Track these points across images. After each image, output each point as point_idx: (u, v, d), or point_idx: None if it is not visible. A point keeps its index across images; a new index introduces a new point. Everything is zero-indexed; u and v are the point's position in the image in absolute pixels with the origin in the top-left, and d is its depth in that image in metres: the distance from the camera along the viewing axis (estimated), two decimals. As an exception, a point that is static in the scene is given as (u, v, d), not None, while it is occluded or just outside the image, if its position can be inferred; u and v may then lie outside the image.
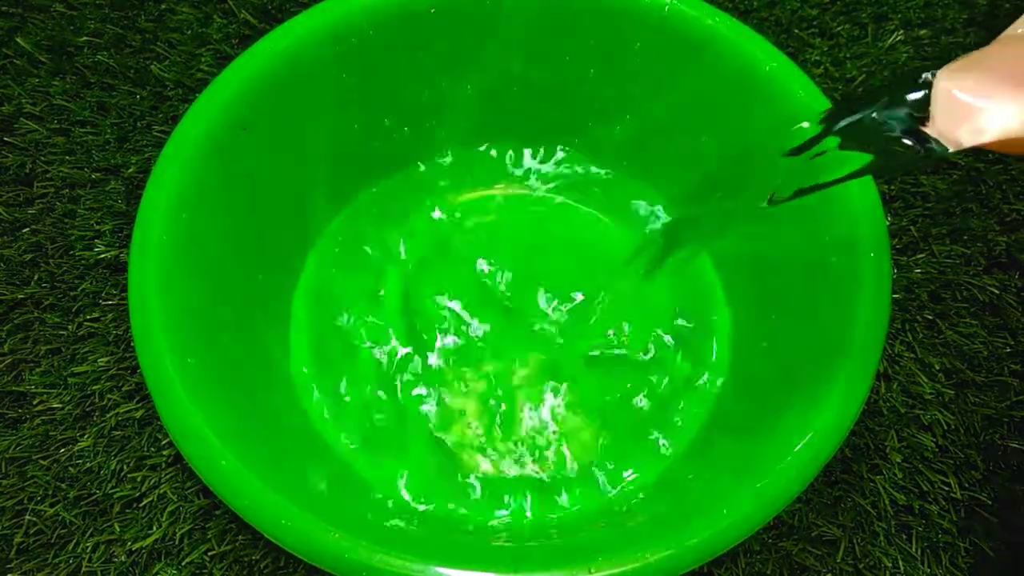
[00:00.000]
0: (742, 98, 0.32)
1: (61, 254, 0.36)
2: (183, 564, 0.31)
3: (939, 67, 0.19)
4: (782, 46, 0.42)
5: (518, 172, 0.38)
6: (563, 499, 0.31)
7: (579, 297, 0.35)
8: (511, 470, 0.32)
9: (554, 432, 0.33)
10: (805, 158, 0.23)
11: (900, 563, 0.32)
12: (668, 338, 0.35)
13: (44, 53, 0.41)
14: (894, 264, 0.37)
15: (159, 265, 0.27)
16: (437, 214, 0.37)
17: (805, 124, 0.23)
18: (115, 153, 0.38)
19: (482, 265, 0.36)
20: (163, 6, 0.42)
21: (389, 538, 0.24)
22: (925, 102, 0.19)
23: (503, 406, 0.33)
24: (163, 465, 0.32)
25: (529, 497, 0.31)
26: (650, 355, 0.34)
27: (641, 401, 0.33)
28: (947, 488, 0.33)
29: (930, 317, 0.36)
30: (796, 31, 0.43)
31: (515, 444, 0.32)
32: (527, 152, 0.38)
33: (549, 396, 0.33)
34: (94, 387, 0.34)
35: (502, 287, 0.36)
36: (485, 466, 0.32)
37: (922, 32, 0.43)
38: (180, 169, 0.29)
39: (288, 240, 0.35)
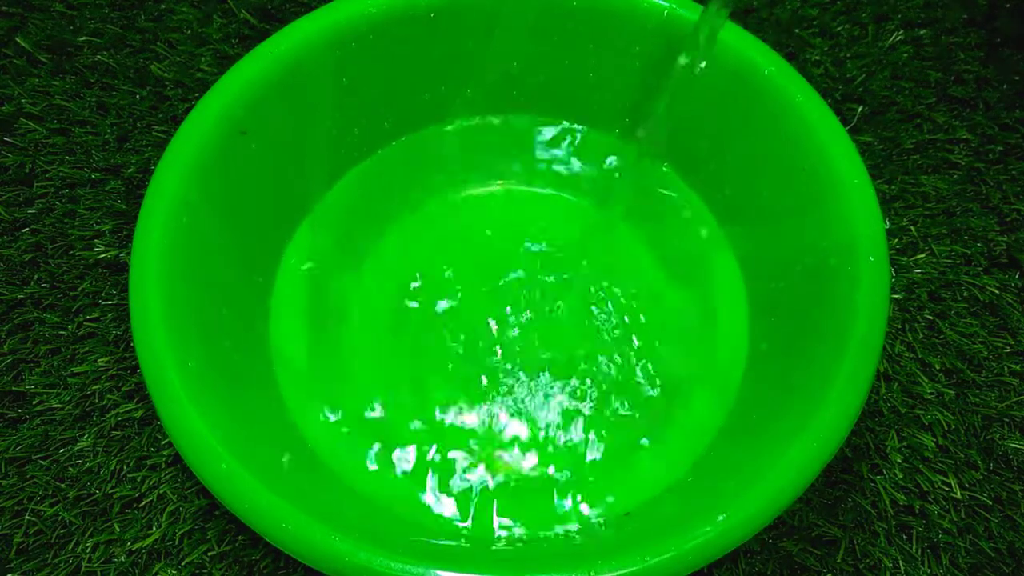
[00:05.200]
0: (741, 102, 0.32)
1: (61, 254, 0.36)
2: (183, 564, 0.31)
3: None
4: (782, 46, 0.42)
5: (517, 169, 0.38)
6: (562, 503, 0.31)
7: (571, 277, 0.36)
8: (511, 474, 0.32)
9: (554, 435, 0.33)
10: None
11: (900, 563, 0.32)
12: (669, 342, 0.35)
13: (44, 53, 0.41)
14: (894, 264, 0.37)
15: (160, 271, 0.27)
16: (439, 216, 0.37)
17: None
18: (115, 153, 0.38)
19: (485, 264, 0.36)
20: (163, 6, 0.42)
21: (389, 542, 0.24)
22: None
23: (504, 412, 0.33)
24: (163, 465, 0.32)
25: (529, 501, 0.31)
26: (650, 358, 0.34)
27: (640, 406, 0.33)
28: (947, 488, 0.33)
29: (930, 317, 0.36)
30: (796, 31, 0.43)
31: (515, 447, 0.32)
32: (526, 152, 0.38)
33: (549, 400, 0.33)
34: (94, 387, 0.34)
35: (505, 287, 0.36)
36: (485, 470, 0.32)
37: (922, 32, 0.43)
38: (180, 174, 0.29)
39: (288, 243, 0.35)
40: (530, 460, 0.32)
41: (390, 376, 0.34)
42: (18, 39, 0.41)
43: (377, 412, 0.33)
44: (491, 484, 0.32)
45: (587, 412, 0.33)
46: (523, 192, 0.38)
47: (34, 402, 0.33)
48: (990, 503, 0.33)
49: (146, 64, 0.40)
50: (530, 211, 0.37)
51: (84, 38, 0.41)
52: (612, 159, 0.38)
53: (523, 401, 0.33)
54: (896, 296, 0.36)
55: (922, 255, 0.37)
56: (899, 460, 0.33)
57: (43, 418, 0.33)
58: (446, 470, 0.32)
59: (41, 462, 0.32)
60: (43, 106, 0.39)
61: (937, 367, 0.35)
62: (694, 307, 0.35)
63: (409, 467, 0.32)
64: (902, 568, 0.32)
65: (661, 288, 0.36)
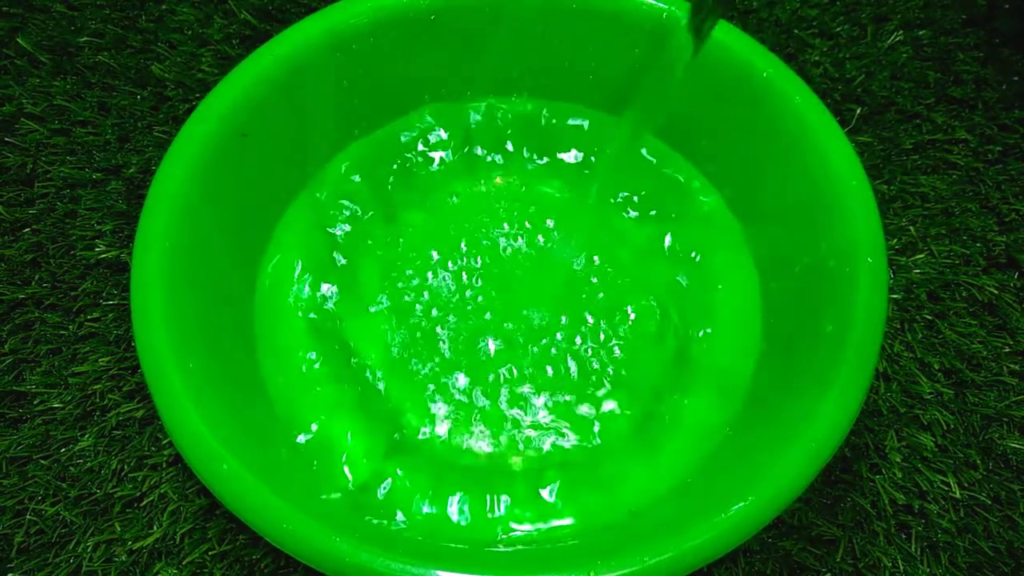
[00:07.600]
0: (740, 104, 0.32)
1: (62, 254, 0.36)
2: (183, 564, 0.31)
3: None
4: (782, 46, 0.42)
5: (520, 164, 0.38)
6: (562, 503, 0.31)
7: (574, 272, 0.36)
8: (511, 474, 0.32)
9: (555, 434, 0.33)
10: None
11: (900, 563, 0.32)
12: (667, 344, 0.35)
13: (45, 53, 0.41)
14: (893, 264, 0.37)
15: (161, 271, 0.27)
16: (440, 212, 0.37)
17: None
18: (116, 153, 0.38)
19: (486, 260, 0.36)
20: (164, 7, 0.42)
21: (390, 542, 0.24)
22: None
23: (504, 410, 0.33)
24: (164, 464, 0.32)
25: (529, 501, 0.31)
26: (655, 357, 0.34)
27: (644, 406, 0.33)
28: (946, 488, 0.33)
29: (929, 317, 0.36)
30: (796, 31, 0.43)
31: (515, 447, 0.32)
32: (526, 152, 0.38)
33: (551, 398, 0.33)
34: (95, 387, 0.34)
35: (507, 281, 0.35)
36: (485, 470, 0.32)
37: (921, 32, 0.43)
38: (181, 176, 0.29)
39: (288, 241, 0.35)
40: (530, 460, 0.32)
41: (389, 375, 0.34)
42: (19, 40, 0.41)
43: (376, 411, 0.33)
44: (490, 484, 0.32)
45: (589, 412, 0.33)
46: (527, 187, 0.38)
47: (35, 402, 0.33)
48: (989, 503, 0.33)
49: (147, 65, 0.40)
50: (534, 207, 0.37)
51: (85, 39, 0.41)
52: (616, 156, 0.38)
53: (524, 399, 0.33)
54: (895, 296, 0.36)
55: (921, 255, 0.37)
56: (898, 460, 0.33)
57: (44, 418, 0.33)
58: (446, 470, 0.32)
59: (42, 462, 0.32)
60: (44, 106, 0.39)
61: (936, 367, 0.35)
62: (703, 306, 0.35)
63: (408, 467, 0.32)
64: (901, 567, 0.32)
65: (670, 286, 0.35)
